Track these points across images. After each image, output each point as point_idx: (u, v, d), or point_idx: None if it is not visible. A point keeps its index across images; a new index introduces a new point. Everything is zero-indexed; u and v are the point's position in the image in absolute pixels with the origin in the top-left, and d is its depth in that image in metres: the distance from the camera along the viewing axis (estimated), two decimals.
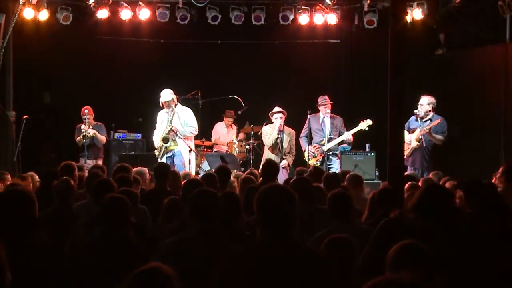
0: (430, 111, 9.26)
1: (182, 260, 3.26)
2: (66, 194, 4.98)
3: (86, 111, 9.75)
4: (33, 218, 3.26)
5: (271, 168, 6.44)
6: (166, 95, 9.45)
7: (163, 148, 9.51)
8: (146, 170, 7.06)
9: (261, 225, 2.71)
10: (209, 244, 3.39)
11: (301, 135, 9.91)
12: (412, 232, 3.42)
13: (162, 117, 9.66)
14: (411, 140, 9.17)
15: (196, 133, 9.80)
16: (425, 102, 9.26)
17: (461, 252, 3.48)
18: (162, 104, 9.52)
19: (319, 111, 9.74)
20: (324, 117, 9.64)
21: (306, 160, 9.71)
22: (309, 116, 9.72)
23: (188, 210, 3.64)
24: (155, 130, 9.79)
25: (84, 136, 9.67)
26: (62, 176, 6.04)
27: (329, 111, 9.66)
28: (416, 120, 9.23)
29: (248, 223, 4.72)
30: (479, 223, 3.75)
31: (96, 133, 9.92)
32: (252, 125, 10.53)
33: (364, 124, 9.51)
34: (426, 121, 9.22)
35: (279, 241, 2.66)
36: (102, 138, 10.07)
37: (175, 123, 9.48)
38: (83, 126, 9.72)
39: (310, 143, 9.69)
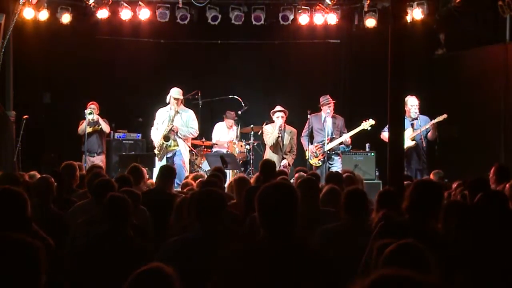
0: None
1: (186, 260, 3.26)
2: (46, 193, 4.91)
3: (92, 105, 9.92)
4: (22, 217, 3.25)
5: (269, 166, 6.44)
6: (178, 92, 9.53)
7: (164, 147, 9.52)
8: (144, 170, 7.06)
9: (262, 223, 2.71)
10: (213, 244, 3.39)
11: (302, 134, 9.90)
12: (408, 232, 3.44)
13: (163, 116, 9.67)
14: (406, 139, 9.15)
15: (196, 135, 9.83)
16: (416, 103, 9.30)
17: (465, 250, 3.47)
18: (172, 100, 9.51)
19: (320, 110, 9.72)
20: (326, 116, 9.62)
21: (308, 159, 9.70)
22: (310, 115, 9.72)
23: (192, 210, 3.63)
24: (152, 128, 9.80)
25: (90, 113, 9.70)
26: (64, 176, 6.06)
27: (330, 110, 9.63)
28: (416, 119, 9.24)
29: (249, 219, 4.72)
30: (483, 221, 3.74)
31: (100, 119, 10.01)
32: (252, 125, 10.52)
33: (367, 124, 9.48)
34: (414, 120, 9.24)
35: (280, 239, 2.66)
36: (107, 126, 10.13)
37: (176, 122, 9.50)
38: (87, 111, 9.78)
39: (311, 143, 9.69)
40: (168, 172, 6.22)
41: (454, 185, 6.36)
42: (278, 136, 9.81)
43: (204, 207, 3.50)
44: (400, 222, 3.74)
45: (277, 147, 9.87)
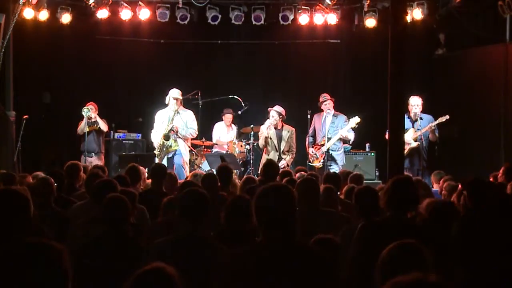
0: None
1: (171, 260, 3.27)
2: (46, 194, 4.89)
3: (90, 105, 9.93)
4: (27, 219, 3.23)
5: (271, 168, 6.41)
6: (178, 92, 9.59)
7: (165, 147, 9.52)
8: (143, 169, 7.08)
9: (260, 226, 2.70)
10: (196, 245, 3.40)
11: (307, 135, 9.83)
12: (392, 229, 3.45)
13: (162, 116, 9.67)
14: (409, 140, 9.14)
15: (195, 135, 9.84)
16: (418, 102, 9.28)
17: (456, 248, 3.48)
18: (171, 100, 9.52)
19: (322, 110, 9.69)
20: (326, 115, 9.57)
21: (310, 162, 9.60)
22: (314, 115, 9.71)
23: (176, 210, 3.65)
24: (152, 130, 9.80)
25: (87, 111, 9.71)
26: (67, 176, 6.06)
27: (329, 109, 9.57)
28: (415, 120, 9.23)
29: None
30: (482, 221, 3.75)
31: (98, 117, 10.05)
32: (252, 125, 10.51)
33: (353, 121, 9.38)
34: (416, 120, 9.22)
35: (279, 242, 2.65)
36: (105, 125, 10.18)
37: (176, 122, 9.51)
38: (84, 109, 9.79)
39: (314, 143, 9.64)
40: (159, 171, 6.23)
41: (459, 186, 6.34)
42: (266, 137, 9.69)
43: (187, 208, 3.51)
44: (382, 221, 3.75)
45: (271, 147, 9.76)
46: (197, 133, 9.83)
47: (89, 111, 9.83)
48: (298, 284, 2.59)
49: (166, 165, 7.78)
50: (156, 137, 9.68)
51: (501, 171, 6.15)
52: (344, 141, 9.57)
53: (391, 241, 2.58)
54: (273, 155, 9.65)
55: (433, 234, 3.55)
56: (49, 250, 2.02)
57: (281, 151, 9.76)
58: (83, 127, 9.93)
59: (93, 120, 10.03)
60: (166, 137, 9.49)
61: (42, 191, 4.90)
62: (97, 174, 5.65)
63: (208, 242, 3.50)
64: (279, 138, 9.78)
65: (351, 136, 9.51)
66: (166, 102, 9.65)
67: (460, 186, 5.42)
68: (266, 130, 9.65)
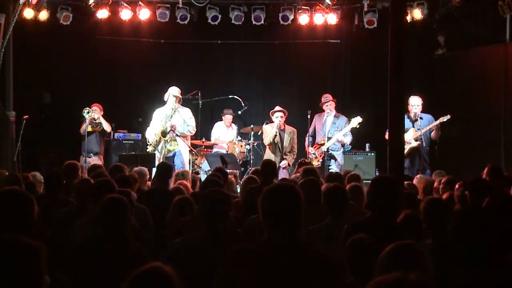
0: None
1: (190, 260, 3.26)
2: (86, 194, 4.92)
3: (94, 107, 9.98)
4: (29, 219, 3.22)
5: (270, 167, 6.42)
6: (177, 91, 9.60)
7: (160, 143, 9.52)
8: (146, 170, 7.08)
9: (266, 225, 2.69)
10: (216, 245, 3.38)
11: (307, 134, 9.85)
12: (375, 229, 3.46)
13: (161, 115, 9.67)
14: (410, 139, 9.14)
15: (193, 132, 9.85)
16: (418, 102, 9.28)
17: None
18: (170, 98, 9.52)
19: (323, 110, 9.69)
20: (326, 116, 9.58)
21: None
22: (315, 115, 9.72)
23: (198, 209, 3.62)
24: (148, 128, 9.79)
25: (88, 112, 9.71)
26: (66, 176, 6.06)
27: (330, 110, 9.57)
28: (415, 120, 9.22)
29: (248, 221, 4.72)
30: (483, 220, 3.74)
31: (102, 118, 10.11)
32: (252, 125, 10.52)
33: (355, 121, 9.41)
34: (416, 120, 9.22)
35: (284, 241, 2.65)
36: (108, 126, 10.24)
37: (175, 120, 9.51)
38: (84, 111, 9.80)
39: (313, 143, 9.64)
40: (166, 170, 6.25)
41: (457, 186, 6.34)
42: (276, 135, 9.73)
43: (210, 208, 3.49)
44: (364, 221, 3.75)
45: (275, 147, 9.80)
46: (195, 130, 9.84)
47: (90, 113, 9.83)
48: (299, 284, 2.59)
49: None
50: (151, 134, 9.67)
51: (484, 171, 6.12)
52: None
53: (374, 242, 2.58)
54: (277, 155, 9.72)
55: (410, 234, 3.56)
56: (24, 248, 2.05)
57: (284, 151, 9.78)
58: (85, 127, 9.93)
59: (97, 121, 10.05)
60: (163, 134, 9.50)
61: (84, 191, 4.90)
62: (102, 174, 5.65)
63: (224, 242, 3.48)
64: (282, 139, 9.80)
65: (347, 140, 9.54)
66: (165, 99, 9.64)
67: (457, 185, 5.43)
68: (275, 128, 9.68)
